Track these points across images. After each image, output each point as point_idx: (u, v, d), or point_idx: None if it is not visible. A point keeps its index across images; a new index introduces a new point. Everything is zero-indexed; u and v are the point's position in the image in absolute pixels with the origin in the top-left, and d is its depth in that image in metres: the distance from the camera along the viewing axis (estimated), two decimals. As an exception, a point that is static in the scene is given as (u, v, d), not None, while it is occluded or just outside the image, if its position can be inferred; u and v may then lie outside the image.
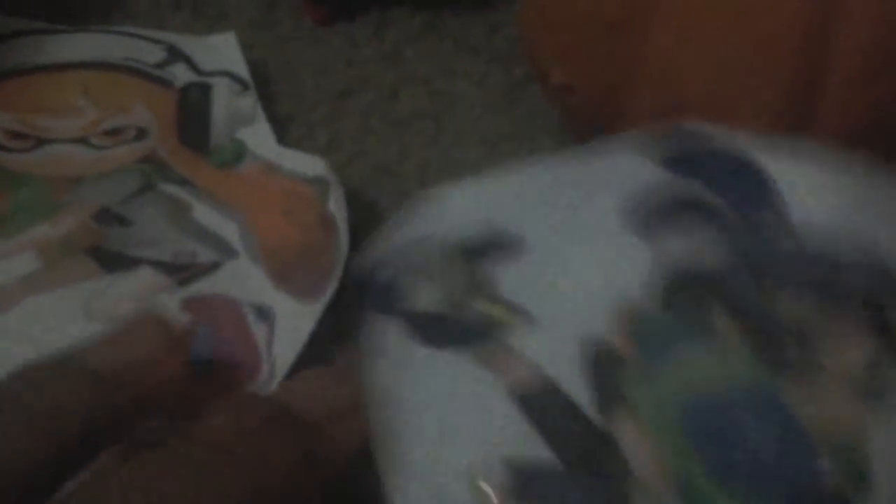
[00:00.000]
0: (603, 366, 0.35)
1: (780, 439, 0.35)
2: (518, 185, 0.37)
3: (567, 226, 0.36)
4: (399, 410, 0.36)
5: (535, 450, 0.35)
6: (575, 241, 0.36)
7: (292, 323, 0.42)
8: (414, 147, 0.50)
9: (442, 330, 0.36)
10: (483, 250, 0.36)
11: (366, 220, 0.46)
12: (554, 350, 0.35)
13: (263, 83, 0.51)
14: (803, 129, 0.42)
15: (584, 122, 0.47)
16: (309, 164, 0.46)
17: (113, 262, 0.43)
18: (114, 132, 0.48)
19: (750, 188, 0.37)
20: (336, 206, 0.44)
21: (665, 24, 0.41)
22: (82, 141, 0.48)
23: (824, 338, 0.35)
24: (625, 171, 0.37)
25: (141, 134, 0.48)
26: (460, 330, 0.35)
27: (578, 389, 0.35)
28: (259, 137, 0.48)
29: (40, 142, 0.47)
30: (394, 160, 0.50)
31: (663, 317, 0.35)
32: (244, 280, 0.43)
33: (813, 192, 0.37)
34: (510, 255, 0.36)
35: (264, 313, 0.42)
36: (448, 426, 0.35)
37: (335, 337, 0.43)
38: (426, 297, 0.36)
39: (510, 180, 0.38)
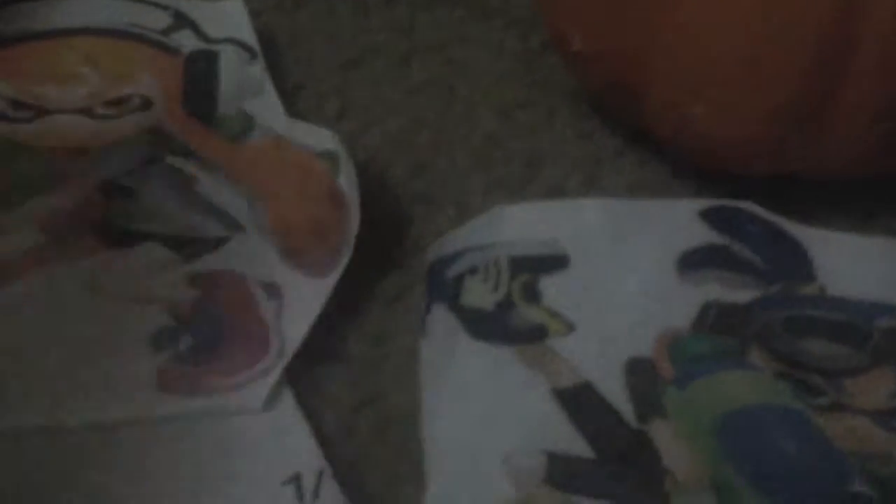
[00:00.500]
0: (641, 377, 0.39)
1: (812, 450, 0.37)
2: (571, 213, 0.43)
3: (612, 255, 0.41)
4: (444, 391, 0.38)
5: (572, 442, 0.37)
6: (619, 269, 0.41)
7: (302, 299, 0.41)
8: (426, 116, 0.49)
9: (489, 327, 0.40)
10: (532, 262, 0.41)
11: (378, 190, 0.45)
12: (593, 357, 0.39)
13: (271, 51, 0.50)
14: (831, 97, 0.40)
15: (605, 89, 0.46)
16: (319, 138, 0.45)
17: (118, 236, 0.42)
18: (118, 102, 0.47)
19: (781, 250, 0.42)
20: (347, 181, 0.43)
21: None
22: (85, 111, 0.46)
23: (849, 376, 0.38)
24: (669, 217, 0.42)
25: (146, 104, 0.47)
26: (505, 329, 0.40)
27: (616, 394, 0.38)
28: (268, 109, 0.46)
29: (42, 112, 0.46)
30: (406, 130, 0.48)
31: (702, 345, 0.40)
32: (252, 255, 0.42)
33: (840, 258, 0.41)
34: (555, 270, 0.41)
35: (273, 289, 0.41)
36: (489, 414, 0.38)
37: (346, 313, 0.42)
38: (479, 297, 0.40)
39: (565, 207, 0.43)
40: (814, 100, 0.40)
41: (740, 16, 0.39)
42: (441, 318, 0.40)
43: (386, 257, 0.44)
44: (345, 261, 0.41)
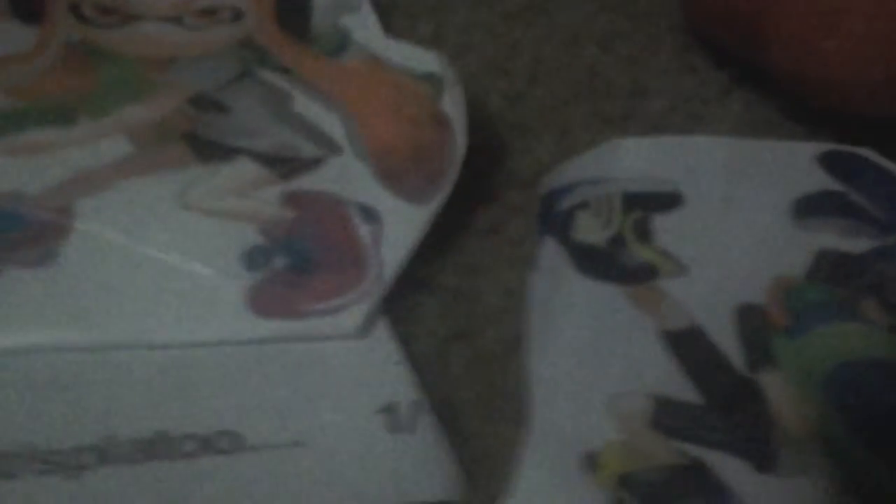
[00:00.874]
0: (753, 326, 0.37)
1: None
2: (687, 150, 0.41)
3: (727, 196, 0.40)
4: (551, 327, 0.37)
5: (680, 386, 0.36)
6: (733, 212, 0.40)
7: (400, 225, 0.39)
8: (524, 43, 0.47)
9: (599, 264, 0.39)
10: (645, 200, 0.40)
11: (473, 118, 0.43)
12: (705, 302, 0.38)
13: (363, -33, 0.48)
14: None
15: (720, 19, 0.44)
16: (420, 59, 0.43)
17: (210, 150, 0.41)
18: (209, 12, 0.45)
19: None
20: (452, 105, 0.41)
21: None
22: (175, 19, 0.44)
23: None
24: (785, 161, 0.41)
25: (237, 15, 0.45)
26: (616, 267, 0.39)
27: (726, 340, 0.37)
28: (364, 26, 0.45)
29: (130, 18, 0.44)
30: (503, 56, 0.47)
31: (816, 293, 0.38)
32: (349, 178, 0.40)
33: None
34: (669, 208, 0.40)
35: (371, 214, 0.39)
36: (597, 353, 0.37)
37: (440, 243, 0.40)
38: (590, 232, 0.39)
39: (682, 144, 0.42)
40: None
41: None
42: (551, 252, 0.39)
43: (481, 188, 0.42)
44: (448, 188, 0.39)
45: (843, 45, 0.39)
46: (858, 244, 0.39)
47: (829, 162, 0.41)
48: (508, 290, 0.40)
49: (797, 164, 0.41)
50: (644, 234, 0.39)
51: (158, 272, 0.38)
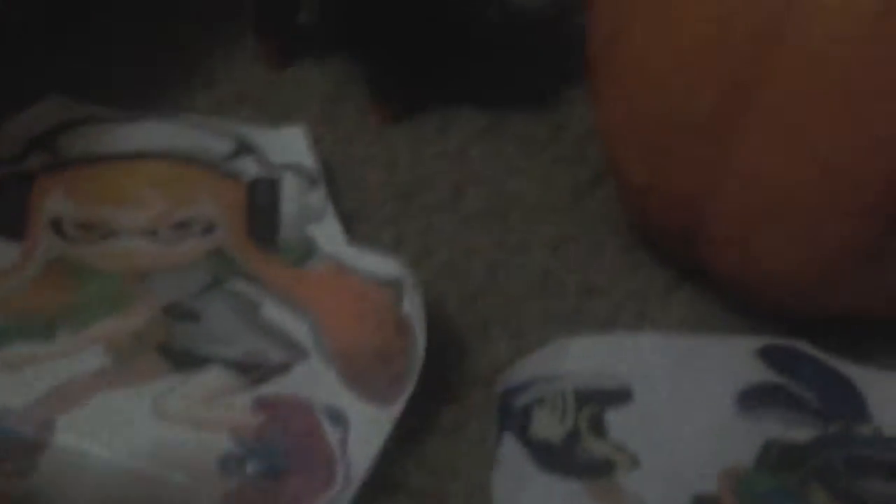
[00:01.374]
0: None
1: None
2: (632, 347, 0.44)
3: (674, 390, 0.43)
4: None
5: None
6: (681, 405, 0.42)
7: (367, 427, 0.41)
8: (480, 247, 0.50)
9: (558, 459, 0.41)
10: (597, 395, 0.43)
11: (433, 320, 0.46)
12: (660, 494, 0.40)
13: (327, 180, 0.51)
14: (893, 236, 0.41)
15: (661, 223, 0.47)
16: (382, 265, 0.45)
17: (183, 359, 0.43)
18: (181, 225, 0.47)
19: (836, 390, 0.43)
20: (412, 309, 0.44)
21: (759, 125, 0.41)
22: (150, 233, 0.47)
23: None
24: (728, 355, 0.44)
25: (209, 227, 0.47)
26: (573, 462, 0.41)
27: None
28: (329, 235, 0.47)
29: (107, 233, 0.47)
30: (460, 260, 0.49)
31: (765, 482, 0.41)
32: (316, 382, 0.42)
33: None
34: (620, 403, 0.42)
35: (338, 417, 0.41)
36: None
37: (405, 444, 0.42)
38: (547, 428, 0.42)
39: (626, 342, 0.45)
40: (876, 239, 0.41)
41: (805, 157, 0.40)
42: (511, 449, 0.41)
43: (442, 387, 0.44)
44: (409, 389, 0.42)
45: (773, 248, 0.42)
46: (801, 433, 0.42)
47: (769, 355, 0.43)
48: (473, 489, 0.41)
49: (739, 357, 0.43)
50: (598, 428, 0.41)
51: (136, 483, 0.39)
